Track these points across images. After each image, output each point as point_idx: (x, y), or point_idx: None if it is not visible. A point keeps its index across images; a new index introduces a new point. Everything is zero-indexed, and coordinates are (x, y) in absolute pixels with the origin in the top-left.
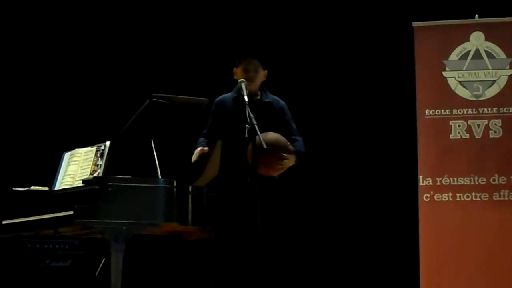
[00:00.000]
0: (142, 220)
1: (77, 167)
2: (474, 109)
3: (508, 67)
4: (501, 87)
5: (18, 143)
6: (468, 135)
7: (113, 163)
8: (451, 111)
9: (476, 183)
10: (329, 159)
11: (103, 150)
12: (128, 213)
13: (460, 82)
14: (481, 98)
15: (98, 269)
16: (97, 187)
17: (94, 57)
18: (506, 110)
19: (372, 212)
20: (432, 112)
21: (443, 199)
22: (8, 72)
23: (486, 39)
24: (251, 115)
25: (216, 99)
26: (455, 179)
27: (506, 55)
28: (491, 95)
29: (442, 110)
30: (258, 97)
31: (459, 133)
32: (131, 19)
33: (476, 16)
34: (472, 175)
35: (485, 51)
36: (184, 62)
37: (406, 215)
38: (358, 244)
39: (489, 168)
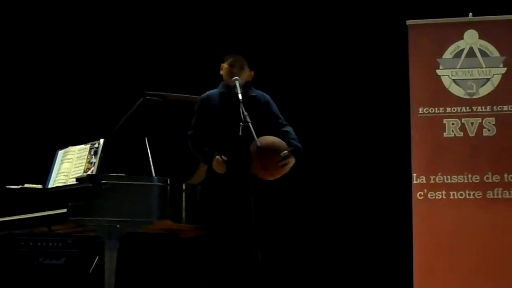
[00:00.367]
0: (136, 218)
1: (71, 165)
2: (468, 107)
3: (501, 65)
4: (495, 85)
5: (11, 141)
6: (462, 133)
7: (107, 161)
8: (445, 109)
9: (470, 181)
10: (323, 157)
11: (97, 148)
12: (122, 211)
13: (454, 80)
14: (475, 96)
15: (92, 267)
16: (90, 185)
17: (88, 55)
18: (500, 108)
19: (366, 210)
20: (426, 110)
21: (437, 197)
22: (2, 71)
23: (480, 37)
24: (245, 113)
25: (202, 96)
26: (449, 177)
27: (500, 53)
28: (485, 93)
29: (436, 108)
30: (242, 94)
31: (452, 131)
32: (124, 18)
33: (470, 14)
34: (465, 173)
35: (479, 49)
36: (177, 60)
37: (400, 213)
38: (352, 242)
39: (483, 166)
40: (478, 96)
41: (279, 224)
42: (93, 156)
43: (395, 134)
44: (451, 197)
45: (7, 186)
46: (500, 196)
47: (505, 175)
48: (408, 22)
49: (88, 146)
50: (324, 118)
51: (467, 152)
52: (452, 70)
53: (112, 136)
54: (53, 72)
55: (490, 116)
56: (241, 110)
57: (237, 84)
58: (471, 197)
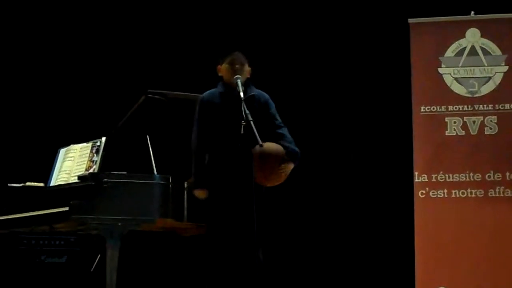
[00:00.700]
0: (138, 216)
1: (73, 163)
2: (469, 106)
3: (503, 64)
4: (497, 83)
5: (13, 139)
6: (463, 131)
7: (108, 159)
8: (447, 108)
9: (472, 179)
10: (325, 155)
11: (99, 146)
12: (123, 209)
13: (456, 79)
14: (476, 95)
15: (94, 265)
16: (92, 183)
17: (89, 54)
18: (502, 106)
19: (368, 209)
20: (428, 108)
21: (439, 196)
22: (4, 69)
23: (482, 36)
24: (247, 111)
25: (202, 96)
26: (451, 175)
27: (502, 52)
28: (487, 92)
29: (438, 107)
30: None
31: (454, 129)
32: (126, 16)
33: (472, 12)
34: (467, 172)
35: (480, 47)
36: (179, 58)
37: (402, 212)
38: (354, 240)
39: (485, 164)
40: (480, 95)
41: (280, 223)
42: (95, 155)
43: (397, 132)
44: (453, 195)
45: (9, 184)
46: (501, 195)
47: (507, 174)
48: (410, 20)
49: (90, 144)
50: (326, 117)
51: (468, 151)
52: (454, 68)
53: (114, 134)
54: (55, 71)
55: (492, 114)
56: (243, 108)
57: (239, 83)
58: (473, 195)
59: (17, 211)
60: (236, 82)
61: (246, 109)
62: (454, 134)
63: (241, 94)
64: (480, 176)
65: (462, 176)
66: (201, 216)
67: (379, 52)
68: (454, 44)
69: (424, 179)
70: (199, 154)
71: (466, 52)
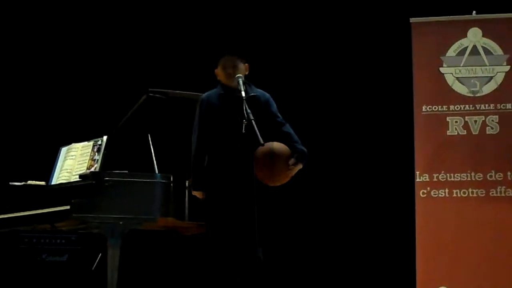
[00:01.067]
0: (139, 215)
1: (74, 161)
2: (471, 105)
3: (505, 64)
4: (498, 83)
5: (15, 138)
6: (465, 131)
7: (110, 158)
8: (448, 107)
9: (473, 179)
10: (326, 155)
11: (100, 145)
12: (124, 208)
13: (457, 78)
14: (478, 94)
15: (95, 264)
16: (94, 182)
17: (91, 52)
18: (503, 106)
19: (369, 208)
20: (429, 108)
21: (440, 195)
22: (6, 68)
23: (484, 36)
24: (248, 111)
25: (203, 97)
26: (452, 175)
27: (503, 52)
28: (488, 91)
29: (439, 106)
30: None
31: (456, 129)
32: (127, 14)
33: (474, 12)
34: (468, 171)
35: (482, 47)
36: (180, 57)
37: (403, 211)
38: (355, 239)
39: (486, 164)
40: (481, 94)
41: (281, 222)
42: (96, 153)
43: (398, 132)
44: (454, 195)
45: (10, 183)
46: (503, 194)
47: (508, 173)
48: (412, 20)
49: (91, 143)
50: (328, 116)
51: (470, 150)
52: (455, 68)
53: (115, 133)
54: (56, 69)
55: (493, 114)
56: (244, 107)
57: (240, 82)
58: (474, 195)
59: (19, 210)
60: (238, 81)
61: (247, 108)
62: (456, 133)
63: (243, 94)
64: (481, 175)
65: (463, 175)
66: (202, 215)
67: (380, 51)
68: (456, 43)
69: (425, 178)
70: (198, 155)
71: (467, 51)
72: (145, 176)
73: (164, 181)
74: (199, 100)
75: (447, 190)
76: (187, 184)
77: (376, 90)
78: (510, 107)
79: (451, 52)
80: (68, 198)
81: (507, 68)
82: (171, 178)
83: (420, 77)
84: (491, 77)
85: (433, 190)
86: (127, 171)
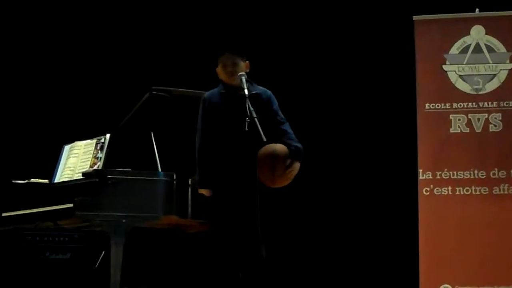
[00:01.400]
0: (142, 213)
1: (77, 159)
2: (474, 103)
3: (508, 61)
4: (501, 81)
5: (18, 136)
6: (468, 129)
7: (113, 156)
8: (451, 105)
9: (476, 177)
10: (329, 153)
11: (103, 143)
12: (127, 206)
13: (460, 76)
14: (481, 92)
15: (98, 262)
16: (97, 179)
17: (94, 50)
18: (506, 104)
19: (372, 206)
20: (432, 105)
21: (443, 193)
22: (9, 65)
23: (487, 33)
24: (251, 108)
25: (205, 97)
26: (455, 172)
27: (507, 49)
28: (491, 89)
29: (442, 104)
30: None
31: (459, 127)
32: (130, 13)
33: (477, 10)
34: (472, 169)
35: (485, 45)
36: (183, 55)
37: (406, 209)
38: (358, 237)
39: (489, 162)
40: (484, 92)
41: (283, 220)
42: (99, 151)
43: (401, 129)
44: (457, 192)
45: (13, 181)
46: (506, 192)
47: None
48: (415, 17)
49: (94, 141)
50: (331, 114)
51: (473, 148)
52: (458, 65)
53: (118, 131)
54: (60, 67)
55: (496, 111)
56: (247, 105)
57: (243, 79)
58: (477, 193)
59: (22, 208)
60: (241, 79)
61: (250, 106)
62: (459, 131)
63: (245, 91)
64: (484, 173)
65: (466, 173)
66: (205, 213)
67: (383, 49)
68: (459, 41)
69: (428, 176)
70: (202, 154)
71: (470, 49)
72: (148, 174)
73: (167, 179)
74: (201, 99)
75: (450, 188)
76: (190, 182)
77: (379, 88)
78: None
79: (454, 49)
80: (71, 196)
81: (510, 65)
82: (174, 176)
83: (423, 75)
84: (494, 75)
85: (436, 188)
86: (130, 169)
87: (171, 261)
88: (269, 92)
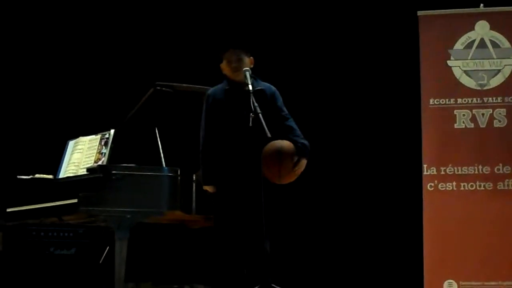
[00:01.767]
0: (146, 209)
1: (82, 155)
2: (478, 98)
3: None
4: (506, 76)
5: (22, 131)
6: (472, 124)
7: (117, 152)
8: (456, 100)
9: (480, 172)
10: (334, 149)
11: (108, 138)
12: (132, 202)
13: (465, 71)
14: (485, 87)
15: (103, 257)
16: (101, 175)
17: (98, 46)
18: (511, 99)
19: (376, 201)
20: (437, 101)
21: (447, 188)
22: (13, 61)
23: (491, 29)
24: (256, 104)
25: (209, 93)
26: (459, 168)
27: (511, 45)
28: (496, 84)
29: (447, 99)
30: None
31: (463, 122)
32: (135, 8)
33: (481, 5)
34: (476, 165)
35: (490, 40)
36: (188, 50)
37: (410, 204)
38: (362, 233)
39: (494, 157)
40: (489, 87)
41: (288, 215)
42: (103, 147)
43: (406, 125)
44: (462, 188)
45: (18, 176)
46: (510, 188)
47: None
48: (419, 13)
49: (98, 136)
50: (335, 110)
51: (477, 143)
52: (463, 61)
53: (123, 127)
54: (64, 63)
55: (501, 107)
56: (251, 101)
57: (247, 75)
58: (482, 188)
59: (26, 203)
60: (245, 75)
61: (254, 101)
62: (463, 126)
63: (250, 87)
64: (489, 169)
65: (470, 169)
66: (210, 208)
67: (388, 44)
68: (463, 36)
69: (432, 171)
70: (206, 150)
71: (475, 44)
72: (152, 169)
73: (171, 174)
74: (205, 95)
75: (454, 183)
76: (194, 177)
77: (383, 84)
78: None
79: (459, 45)
80: (76, 191)
81: None
82: (178, 171)
83: (427, 70)
84: (499, 70)
85: (441, 183)
86: (134, 165)
87: (175, 256)
88: (273, 88)
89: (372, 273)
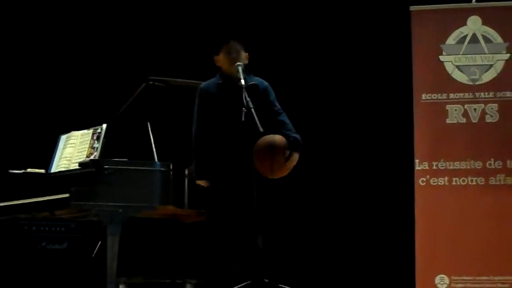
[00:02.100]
0: (138, 203)
1: (74, 149)
2: (470, 94)
3: (505, 52)
4: (498, 71)
5: (14, 126)
6: (464, 119)
7: (109, 146)
8: (448, 95)
9: (472, 167)
10: (326, 144)
11: (100, 133)
12: (124, 196)
13: (457, 66)
14: (477, 83)
15: (95, 252)
16: (93, 169)
17: (91, 40)
18: (503, 94)
19: (368, 196)
20: (429, 96)
21: (439, 183)
22: (5, 56)
23: (483, 24)
24: (248, 98)
25: (201, 87)
26: (451, 163)
27: (503, 40)
28: (488, 80)
29: (439, 94)
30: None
31: (455, 117)
32: (127, 3)
33: (473, 0)
34: (468, 160)
35: (482, 35)
36: (180, 45)
37: (402, 199)
38: (353, 228)
39: (485, 152)
40: (481, 82)
41: (280, 210)
42: (95, 141)
43: (397, 120)
44: (454, 183)
45: (10, 171)
46: (502, 182)
47: (508, 162)
48: (412, 7)
49: (91, 131)
50: (327, 104)
51: (469, 139)
52: (455, 56)
53: (115, 121)
54: (56, 57)
55: (493, 102)
56: (244, 95)
57: (240, 69)
58: (474, 183)
59: (18, 198)
60: (237, 69)
61: (247, 96)
62: (455, 122)
63: (242, 82)
64: (481, 164)
65: (463, 164)
66: (202, 203)
67: (380, 39)
68: (456, 31)
69: (424, 166)
70: (199, 145)
71: (467, 39)
72: (145, 164)
73: (163, 169)
74: (197, 89)
75: (446, 178)
76: (186, 172)
77: (375, 79)
78: (509, 95)
79: (451, 40)
80: (68, 186)
81: (507, 56)
82: (171, 166)
83: (419, 65)
84: (491, 65)
85: (433, 178)
86: (126, 159)
87: (167, 251)
88: (265, 83)
89: (364, 268)
